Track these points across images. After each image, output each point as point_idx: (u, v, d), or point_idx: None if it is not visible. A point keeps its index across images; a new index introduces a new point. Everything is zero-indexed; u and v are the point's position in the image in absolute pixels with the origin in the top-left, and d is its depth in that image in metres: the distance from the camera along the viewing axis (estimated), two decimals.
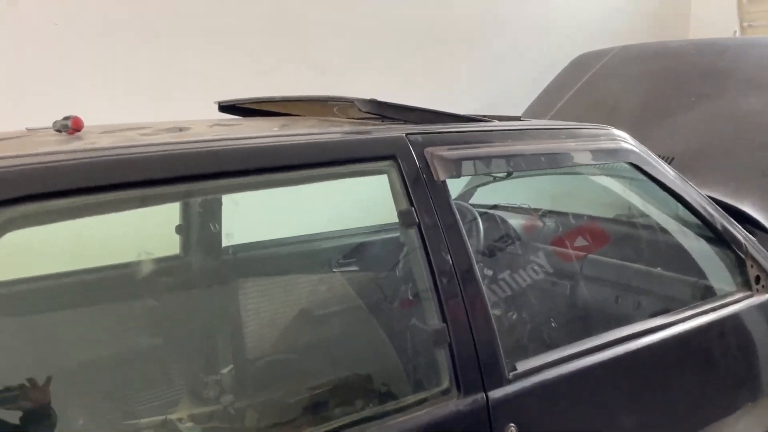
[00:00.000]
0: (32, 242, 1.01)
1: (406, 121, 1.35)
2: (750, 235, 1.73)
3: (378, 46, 3.18)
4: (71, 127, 1.18)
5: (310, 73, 2.98)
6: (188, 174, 1.02)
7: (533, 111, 2.90)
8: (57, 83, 2.52)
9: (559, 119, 2.68)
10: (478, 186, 2.60)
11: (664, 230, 1.84)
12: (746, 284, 1.70)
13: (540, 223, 2.41)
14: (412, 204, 1.20)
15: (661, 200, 1.69)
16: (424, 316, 1.24)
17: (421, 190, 1.22)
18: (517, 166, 1.37)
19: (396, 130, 1.28)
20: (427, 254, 1.18)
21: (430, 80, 3.34)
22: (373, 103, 1.36)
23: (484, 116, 1.59)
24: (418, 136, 1.27)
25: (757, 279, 1.71)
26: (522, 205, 2.49)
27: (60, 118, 1.23)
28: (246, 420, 1.62)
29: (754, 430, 1.63)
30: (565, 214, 2.40)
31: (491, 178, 2.26)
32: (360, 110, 1.41)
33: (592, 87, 2.79)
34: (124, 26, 2.68)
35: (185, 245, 2.06)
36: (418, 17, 3.32)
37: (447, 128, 1.34)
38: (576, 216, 2.37)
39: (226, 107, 1.97)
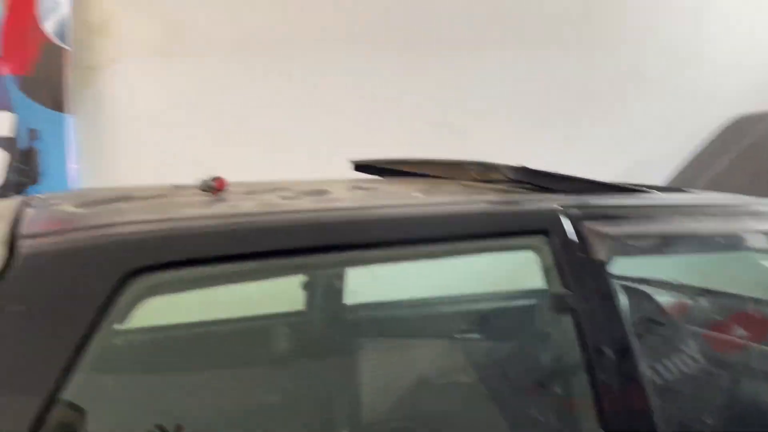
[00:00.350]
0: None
1: (558, 191, 1.23)
2: None
3: (514, 108, 3.08)
4: (215, 187, 1.18)
5: (444, 133, 2.93)
6: (331, 243, 0.95)
7: (682, 179, 2.65)
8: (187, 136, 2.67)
9: (714, 190, 2.42)
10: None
11: None
12: None
13: (690, 302, 2.14)
14: (565, 286, 1.06)
15: None
16: (574, 411, 1.08)
17: (576, 272, 1.08)
18: (690, 248, 1.19)
19: (548, 201, 1.16)
20: (583, 346, 1.03)
21: (565, 143, 3.18)
22: (524, 170, 1.26)
23: (644, 186, 1.42)
24: (575, 209, 1.14)
25: None
26: (670, 281, 2.24)
27: (204, 176, 1.24)
28: None
29: None
30: (724, 294, 2.12)
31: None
32: (505, 176, 1.31)
33: (756, 153, 2.50)
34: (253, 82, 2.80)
35: (309, 302, 2.03)
36: (555, 77, 3.19)
37: (607, 201, 1.20)
38: (737, 298, 2.08)
39: (361, 166, 1.95)
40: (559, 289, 1.07)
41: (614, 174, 3.04)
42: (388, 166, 1.88)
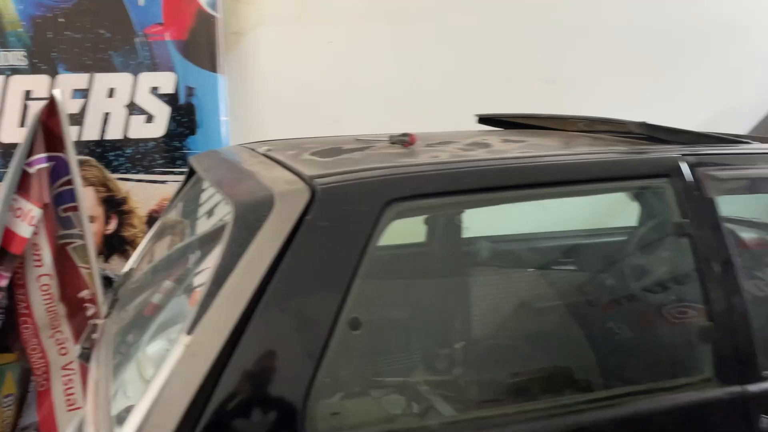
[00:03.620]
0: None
1: (676, 142, 1.55)
2: None
3: (606, 56, 3.32)
4: (408, 141, 1.55)
5: (542, 84, 3.22)
6: (515, 183, 1.33)
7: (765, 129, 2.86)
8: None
9: None
10: None
11: None
12: None
13: None
14: (684, 217, 1.40)
15: None
16: (688, 315, 1.44)
17: (693, 206, 1.41)
18: None
19: (669, 151, 1.49)
20: (698, 262, 1.38)
21: (658, 91, 3.40)
22: (645, 125, 1.58)
23: (745, 137, 1.72)
24: (691, 157, 1.46)
25: None
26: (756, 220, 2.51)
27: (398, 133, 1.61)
28: (470, 392, 1.88)
29: None
30: None
31: None
32: (630, 130, 1.63)
33: None
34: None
35: (429, 234, 2.40)
36: (649, 27, 3.39)
37: (717, 150, 1.51)
38: None
39: (485, 119, 2.29)
40: (678, 218, 1.41)
41: (701, 123, 3.27)
42: (510, 119, 2.22)
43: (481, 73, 3.20)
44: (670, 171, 1.44)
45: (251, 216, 1.18)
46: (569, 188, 1.38)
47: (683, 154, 1.46)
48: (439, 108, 2.93)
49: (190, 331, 1.10)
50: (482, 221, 2.12)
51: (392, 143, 1.61)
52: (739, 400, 1.36)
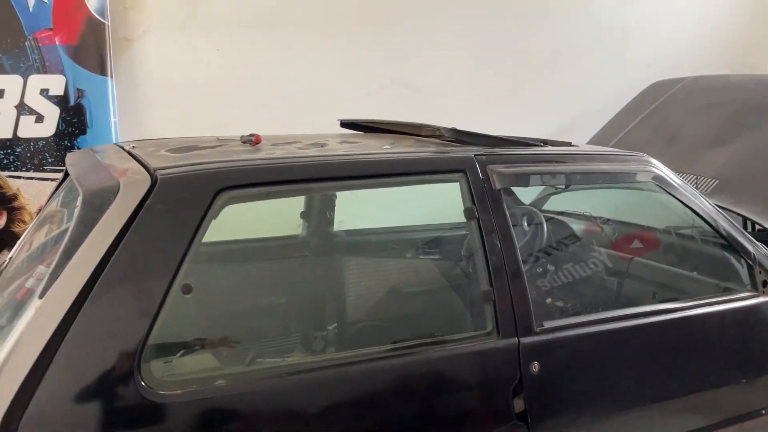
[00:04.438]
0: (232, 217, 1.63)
1: (476, 144, 1.89)
2: (760, 244, 2.12)
3: (467, 72, 3.72)
4: (254, 141, 1.82)
5: (410, 93, 3.57)
6: (329, 176, 1.62)
7: (602, 135, 3.32)
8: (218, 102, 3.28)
9: (622, 145, 3.09)
10: (551, 195, 3.08)
11: (687, 238, 2.26)
12: (754, 287, 2.10)
13: (598, 228, 2.86)
14: (474, 203, 1.74)
15: (682, 214, 2.12)
16: (478, 282, 1.77)
17: (481, 195, 1.75)
18: (557, 181, 1.88)
19: (468, 152, 1.82)
20: (482, 239, 1.72)
21: (512, 103, 3.84)
22: (453, 130, 1.92)
23: (541, 141, 2.09)
24: (483, 156, 1.80)
25: (764, 283, 2.10)
26: (585, 213, 2.94)
27: (246, 133, 1.87)
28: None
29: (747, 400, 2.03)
30: (622, 223, 2.84)
31: (556, 189, 2.76)
32: (443, 134, 1.97)
33: (658, 115, 3.17)
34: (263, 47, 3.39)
35: (306, 227, 2.69)
36: (503, 47, 3.82)
37: (506, 151, 1.87)
38: (626, 224, 2.81)
39: (346, 124, 2.59)
40: (469, 204, 1.74)
41: (550, 130, 3.72)
42: (366, 124, 2.53)
43: (358, 81, 3.52)
44: (466, 167, 1.77)
45: (98, 200, 1.41)
46: (378, 180, 1.69)
47: (476, 154, 1.80)
48: (316, 112, 3.21)
49: (42, 295, 1.32)
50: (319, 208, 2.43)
51: (243, 142, 1.87)
52: (515, 350, 1.70)
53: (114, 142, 3.19)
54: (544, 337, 1.73)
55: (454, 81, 3.69)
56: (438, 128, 1.98)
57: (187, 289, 1.43)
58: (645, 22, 4.05)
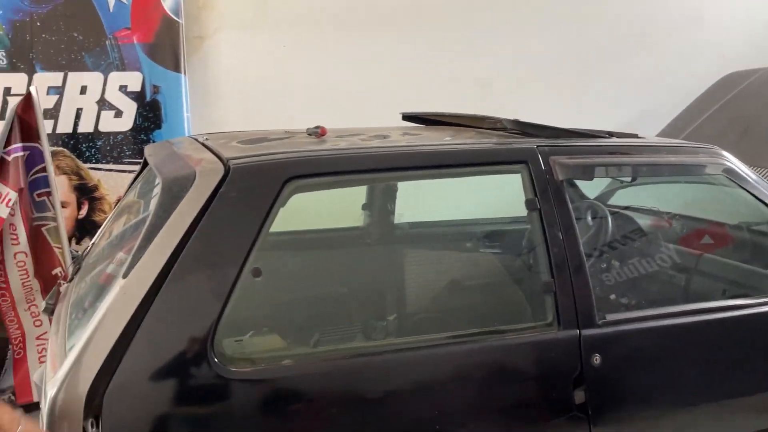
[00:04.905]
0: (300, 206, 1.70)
1: (538, 136, 1.89)
2: None
3: (531, 65, 3.68)
4: (320, 133, 1.88)
5: (475, 88, 3.57)
6: (391, 166, 1.66)
7: (671, 128, 3.23)
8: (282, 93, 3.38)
9: (694, 137, 2.99)
10: (616, 189, 3.02)
11: (759, 234, 2.18)
12: None
13: (666, 223, 2.79)
14: (535, 195, 1.74)
15: (755, 208, 2.05)
16: (539, 274, 1.78)
17: (543, 186, 1.75)
18: (621, 173, 1.85)
19: (530, 143, 1.83)
20: (544, 230, 1.72)
21: (578, 96, 3.77)
22: (515, 122, 1.92)
23: (606, 132, 2.06)
24: (546, 147, 1.80)
25: None
26: (652, 208, 2.88)
27: (312, 126, 1.94)
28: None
29: None
30: (691, 218, 2.76)
31: (622, 184, 2.71)
32: (505, 126, 1.98)
33: (732, 106, 3.06)
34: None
35: (366, 219, 2.74)
36: (569, 38, 3.76)
37: (569, 142, 1.86)
38: (696, 220, 2.73)
39: (407, 117, 2.63)
40: (531, 195, 1.75)
41: (618, 123, 3.63)
42: (428, 117, 2.56)
43: (422, 77, 3.55)
44: (528, 158, 1.78)
45: (176, 187, 1.50)
46: (440, 171, 1.72)
47: (538, 145, 1.80)
48: (379, 107, 3.25)
49: (125, 275, 1.42)
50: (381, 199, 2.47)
51: (309, 134, 1.94)
52: (576, 342, 1.70)
53: (187, 135, 3.34)
54: (606, 330, 1.72)
55: (518, 74, 3.66)
56: (500, 120, 1.98)
57: (257, 273, 1.51)
58: (718, 10, 3.90)
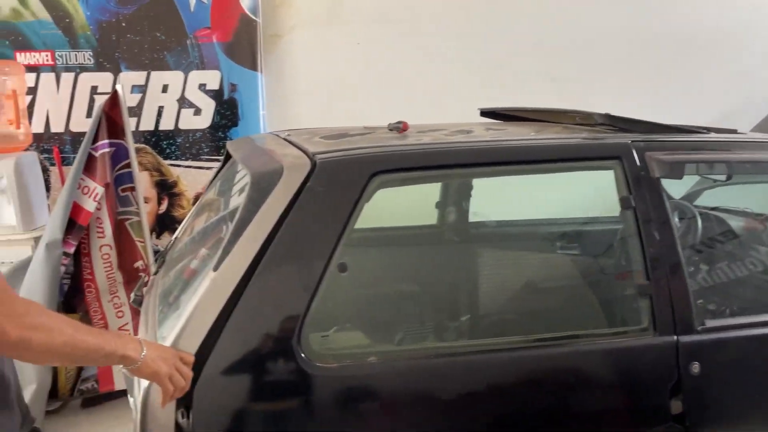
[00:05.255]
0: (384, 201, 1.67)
1: (632, 131, 1.80)
2: None
3: (613, 59, 3.54)
4: (402, 128, 1.85)
5: (551, 84, 3.46)
6: (478, 161, 1.61)
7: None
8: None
9: None
10: (705, 189, 2.86)
11: None
12: None
13: (761, 225, 2.62)
14: (630, 192, 1.66)
15: None
16: (633, 276, 1.69)
17: (638, 183, 1.66)
18: (721, 170, 1.74)
19: (623, 138, 1.74)
20: (639, 230, 1.63)
21: (665, 92, 3.59)
22: (607, 116, 1.84)
23: (703, 128, 1.95)
24: (641, 143, 1.71)
25: None
26: (745, 209, 2.71)
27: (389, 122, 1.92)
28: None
29: None
30: None
31: (715, 182, 2.56)
32: (596, 120, 1.89)
33: None
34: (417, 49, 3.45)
35: (441, 217, 2.69)
36: (654, 30, 3.59)
37: (665, 137, 1.76)
38: None
39: (486, 113, 2.57)
40: (625, 193, 1.66)
41: (710, 120, 3.44)
42: (507, 113, 2.49)
43: (494, 72, 3.47)
44: (622, 154, 1.69)
45: (264, 182, 1.51)
46: (528, 167, 1.66)
47: (633, 141, 1.71)
48: (453, 103, 3.21)
49: (216, 268, 1.43)
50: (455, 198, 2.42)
51: (390, 130, 1.91)
52: (673, 348, 1.60)
53: (263, 133, 3.39)
54: (706, 337, 1.62)
55: (599, 69, 3.53)
56: (589, 114, 1.90)
57: (342, 268, 1.49)
58: None
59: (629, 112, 2.22)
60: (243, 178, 1.95)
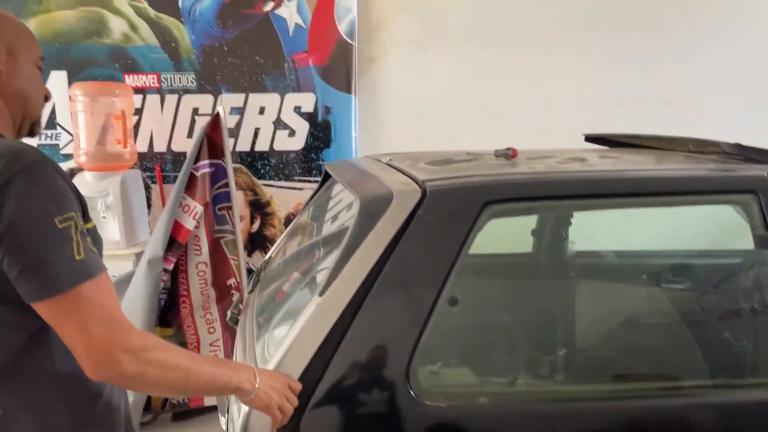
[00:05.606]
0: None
1: (764, 162, 1.64)
2: None
3: (727, 81, 3.32)
4: (510, 155, 1.78)
5: (657, 106, 3.29)
6: (599, 192, 1.51)
7: None
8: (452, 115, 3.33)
9: None
10: None
11: None
12: None
13: None
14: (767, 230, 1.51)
15: None
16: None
17: None
18: None
19: (758, 170, 1.59)
20: None
21: None
22: (737, 146, 1.69)
23: None
24: None
25: None
26: None
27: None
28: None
29: None
30: None
31: None
32: (722, 149, 1.75)
33: None
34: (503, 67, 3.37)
35: (537, 246, 2.57)
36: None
37: None
38: None
39: (592, 138, 2.45)
40: (763, 231, 1.51)
41: None
42: (616, 139, 2.36)
43: (596, 95, 3.33)
44: (758, 187, 1.55)
45: (374, 208, 1.47)
46: (658, 199, 1.54)
47: None
48: (551, 127, 3.10)
49: (321, 293, 1.40)
50: (572, 229, 2.29)
51: (497, 156, 1.84)
52: None
53: (354, 155, 3.40)
54: None
55: (710, 91, 3.32)
56: (716, 143, 1.76)
57: (453, 302, 1.42)
58: None
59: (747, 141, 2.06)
60: (344, 201, 1.94)
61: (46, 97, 1.30)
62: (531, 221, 2.51)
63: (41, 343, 1.12)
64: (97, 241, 1.15)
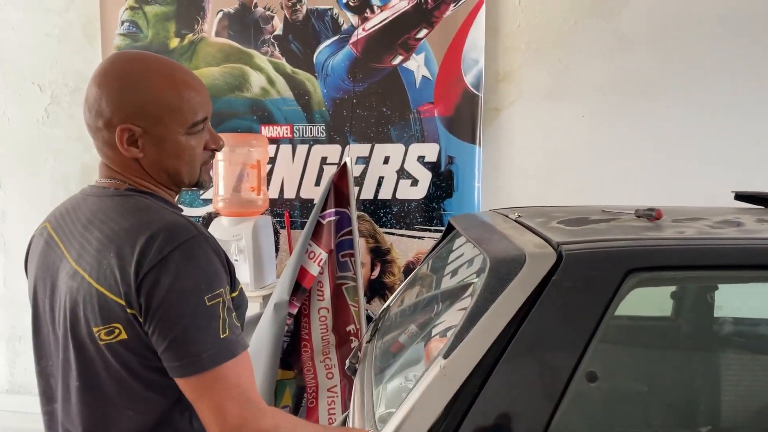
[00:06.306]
0: None
1: None
2: None
3: None
4: (655, 216, 1.65)
5: None
6: (755, 264, 1.36)
7: None
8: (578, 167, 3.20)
9: None
10: None
11: None
12: None
13: None
14: None
15: None
16: None
17: None
18: None
19: None
20: None
21: None
22: None
23: None
24: None
25: None
26: None
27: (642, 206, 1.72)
28: None
29: None
30: None
31: None
32: None
33: None
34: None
35: (676, 309, 2.36)
36: None
37: None
38: None
39: (742, 197, 2.23)
40: None
41: None
42: None
43: (741, 146, 3.07)
44: None
45: (504, 270, 1.41)
46: None
47: None
48: (690, 182, 2.89)
49: (446, 355, 1.35)
50: (727, 300, 2.07)
51: (638, 216, 1.72)
52: None
53: (476, 205, 3.35)
54: None
55: None
56: None
57: (591, 377, 1.32)
58: None
59: None
60: (466, 256, 1.89)
61: (215, 149, 1.30)
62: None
63: (183, 405, 1.17)
64: (242, 306, 1.19)
